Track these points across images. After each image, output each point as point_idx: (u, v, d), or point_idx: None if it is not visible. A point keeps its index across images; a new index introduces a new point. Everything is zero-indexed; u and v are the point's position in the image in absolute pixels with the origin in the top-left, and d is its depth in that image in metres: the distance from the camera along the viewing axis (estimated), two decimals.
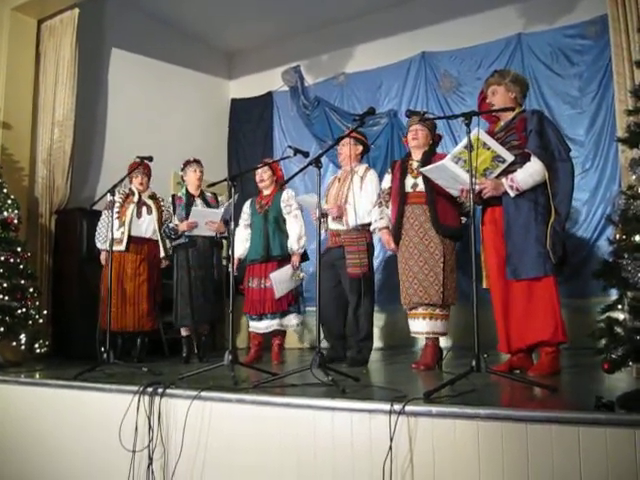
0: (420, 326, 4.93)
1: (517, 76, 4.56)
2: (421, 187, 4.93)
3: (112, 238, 5.48)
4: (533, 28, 7.43)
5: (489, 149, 4.06)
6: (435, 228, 4.84)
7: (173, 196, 6.52)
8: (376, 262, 7.73)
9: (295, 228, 5.86)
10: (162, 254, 6.35)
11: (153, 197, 6.46)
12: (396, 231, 5.05)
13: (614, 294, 3.25)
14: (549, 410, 2.69)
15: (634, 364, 3.19)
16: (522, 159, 4.18)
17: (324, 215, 5.48)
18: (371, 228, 5.36)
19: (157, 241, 6.34)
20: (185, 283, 6.15)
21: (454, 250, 4.92)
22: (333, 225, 5.49)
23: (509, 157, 4.11)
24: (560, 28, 7.24)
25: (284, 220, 5.96)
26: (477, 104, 4.83)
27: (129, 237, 6.14)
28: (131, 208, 6.19)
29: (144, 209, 6.30)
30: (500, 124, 4.49)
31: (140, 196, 6.34)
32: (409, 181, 5.02)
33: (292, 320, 5.97)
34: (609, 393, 2.67)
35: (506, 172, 4.19)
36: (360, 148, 5.75)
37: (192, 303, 6.09)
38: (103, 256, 6.26)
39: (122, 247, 6.09)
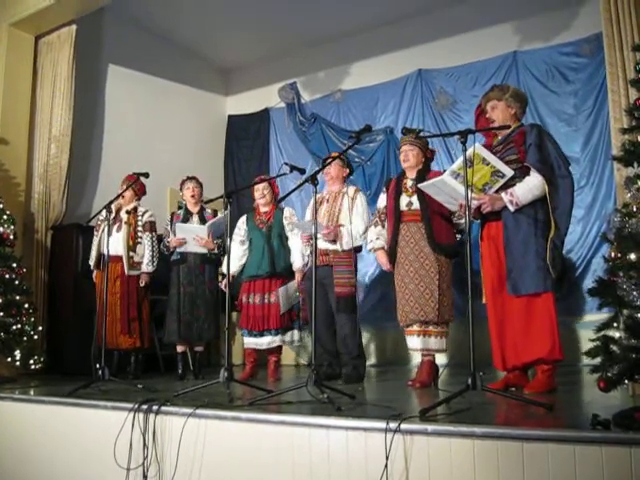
0: (415, 343, 4.94)
1: (517, 91, 4.56)
2: (416, 205, 4.95)
3: (107, 256, 5.44)
4: (529, 46, 7.49)
5: (488, 164, 4.05)
6: (431, 246, 4.84)
7: (172, 214, 6.56)
8: (371, 280, 7.76)
9: (298, 245, 5.86)
10: (126, 271, 6.19)
11: (132, 211, 6.33)
12: (392, 250, 5.07)
13: (610, 312, 3.24)
14: (545, 428, 2.68)
15: (630, 382, 3.18)
16: (521, 173, 4.18)
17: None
18: (367, 248, 5.40)
19: (130, 257, 6.23)
20: (174, 300, 6.14)
21: (450, 267, 4.93)
22: (322, 244, 5.47)
23: (509, 172, 4.10)
24: (555, 46, 7.30)
25: (287, 237, 5.98)
26: (474, 118, 4.85)
27: (99, 256, 6.14)
28: (102, 226, 6.11)
29: (116, 226, 6.23)
30: (498, 138, 4.49)
31: (117, 212, 6.27)
32: (404, 200, 5.04)
33: (294, 336, 5.97)
34: (605, 411, 2.65)
35: (505, 186, 4.18)
36: (347, 170, 5.80)
37: (179, 320, 6.08)
38: (94, 275, 6.34)
39: (92, 266, 6.26)
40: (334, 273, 5.42)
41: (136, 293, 6.26)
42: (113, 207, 6.06)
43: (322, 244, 5.45)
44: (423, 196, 4.83)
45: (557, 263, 4.07)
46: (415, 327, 4.91)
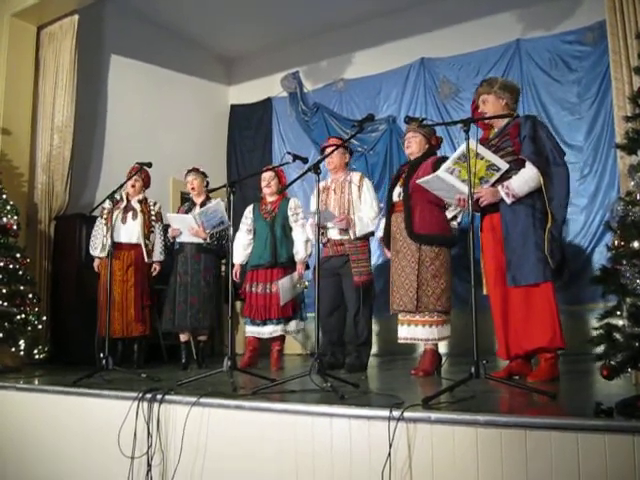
0: (401, 332, 5.00)
1: (505, 82, 4.58)
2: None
3: (112, 244, 5.46)
4: (532, 34, 7.46)
5: (482, 158, 4.06)
6: (409, 236, 4.88)
7: (179, 208, 6.66)
8: (374, 269, 7.74)
9: (302, 236, 5.87)
10: (146, 259, 6.26)
11: (142, 201, 6.38)
12: (386, 240, 5.18)
13: (613, 300, 3.24)
14: (548, 417, 2.69)
15: (633, 370, 3.18)
16: (517, 165, 4.19)
17: (323, 226, 5.47)
18: (376, 236, 5.45)
19: (146, 245, 6.28)
20: (172, 289, 6.18)
21: (439, 257, 4.87)
22: (336, 235, 5.49)
23: (503, 165, 4.11)
24: (558, 34, 7.28)
25: (290, 228, 5.98)
26: (471, 113, 4.84)
27: (113, 243, 6.12)
28: (116, 214, 6.12)
29: (130, 214, 6.25)
30: (494, 131, 4.51)
31: (128, 201, 6.31)
32: (396, 190, 5.10)
33: (294, 326, 5.98)
34: (608, 399, 2.66)
35: (502, 179, 4.19)
36: (348, 156, 5.80)
37: (174, 309, 6.11)
38: (96, 263, 6.28)
39: (104, 253, 6.12)
40: (351, 263, 5.44)
41: (148, 281, 6.33)
42: (124, 195, 6.16)
43: (336, 235, 5.49)
44: (407, 186, 4.90)
45: (556, 253, 4.09)
46: (400, 316, 4.99)
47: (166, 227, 6.41)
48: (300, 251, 5.88)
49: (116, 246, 6.06)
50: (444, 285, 4.85)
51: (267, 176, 6.07)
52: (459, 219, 4.91)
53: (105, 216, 6.17)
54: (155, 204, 6.47)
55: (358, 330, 5.42)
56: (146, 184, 6.48)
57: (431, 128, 5.18)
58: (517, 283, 4.17)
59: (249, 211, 6.20)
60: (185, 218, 6.08)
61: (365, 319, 5.46)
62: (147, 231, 6.30)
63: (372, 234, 5.59)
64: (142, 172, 6.21)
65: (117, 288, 6.07)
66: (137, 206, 6.32)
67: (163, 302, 6.32)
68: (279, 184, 6.11)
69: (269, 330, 5.90)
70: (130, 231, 6.21)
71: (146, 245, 6.27)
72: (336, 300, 5.56)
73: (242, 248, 6.05)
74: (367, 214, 5.47)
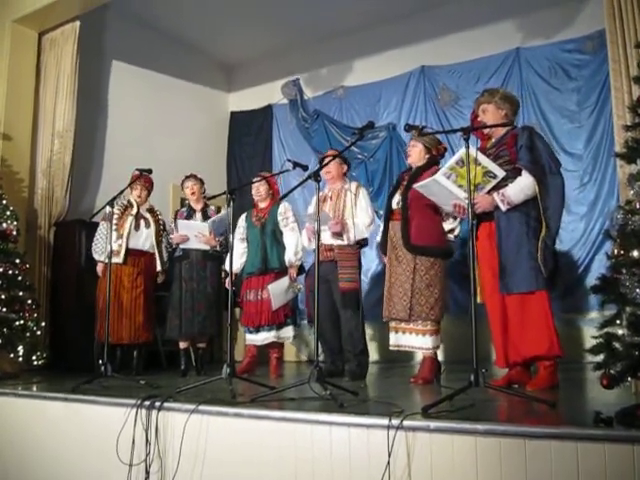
0: (391, 339, 5.03)
1: (506, 94, 4.62)
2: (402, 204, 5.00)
3: (111, 250, 5.46)
4: (531, 42, 7.48)
5: (479, 164, 4.07)
6: (405, 247, 4.89)
7: (176, 212, 6.62)
8: (372, 276, 7.74)
9: (292, 240, 5.87)
10: (158, 267, 6.33)
11: (151, 210, 6.43)
12: (382, 248, 5.20)
13: (612, 309, 3.24)
14: (548, 426, 2.68)
15: (633, 379, 3.18)
16: (514, 174, 4.22)
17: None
18: (372, 245, 5.45)
19: (154, 254, 6.33)
20: (176, 296, 6.17)
21: (434, 266, 4.86)
22: (328, 240, 5.48)
23: (500, 172, 4.13)
24: (558, 43, 7.29)
25: (281, 233, 5.97)
26: (470, 122, 4.85)
27: (127, 249, 6.13)
28: (129, 220, 6.17)
29: (142, 222, 6.28)
30: (492, 141, 4.53)
31: (139, 208, 6.32)
32: (396, 198, 5.10)
33: (288, 332, 5.97)
34: (608, 409, 2.66)
35: (497, 187, 4.21)
36: (345, 167, 5.78)
37: (181, 316, 6.10)
38: (100, 268, 6.23)
39: (120, 259, 6.06)
40: (338, 269, 5.42)
41: (153, 289, 6.36)
42: (134, 202, 6.21)
43: (328, 240, 5.46)
44: (406, 195, 4.91)
45: (549, 262, 4.11)
46: (393, 324, 5.00)
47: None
48: (291, 256, 5.87)
49: (127, 252, 6.11)
50: (437, 294, 4.85)
51: (257, 184, 6.09)
52: (456, 232, 4.91)
53: (115, 222, 6.09)
54: (161, 213, 6.53)
55: (354, 338, 5.40)
56: (149, 192, 6.49)
57: (434, 138, 5.18)
58: (509, 291, 4.20)
59: (242, 220, 6.23)
60: (198, 225, 6.12)
61: (359, 326, 5.44)
62: (159, 239, 6.34)
63: (366, 242, 5.59)
64: (147, 180, 6.22)
65: (126, 294, 6.10)
66: (148, 215, 6.36)
67: (164, 309, 6.31)
68: (269, 190, 6.13)
69: (262, 337, 5.90)
70: (144, 239, 6.25)
71: (159, 252, 6.32)
72: (330, 307, 5.54)
73: (238, 257, 6.02)
74: (362, 220, 5.46)
